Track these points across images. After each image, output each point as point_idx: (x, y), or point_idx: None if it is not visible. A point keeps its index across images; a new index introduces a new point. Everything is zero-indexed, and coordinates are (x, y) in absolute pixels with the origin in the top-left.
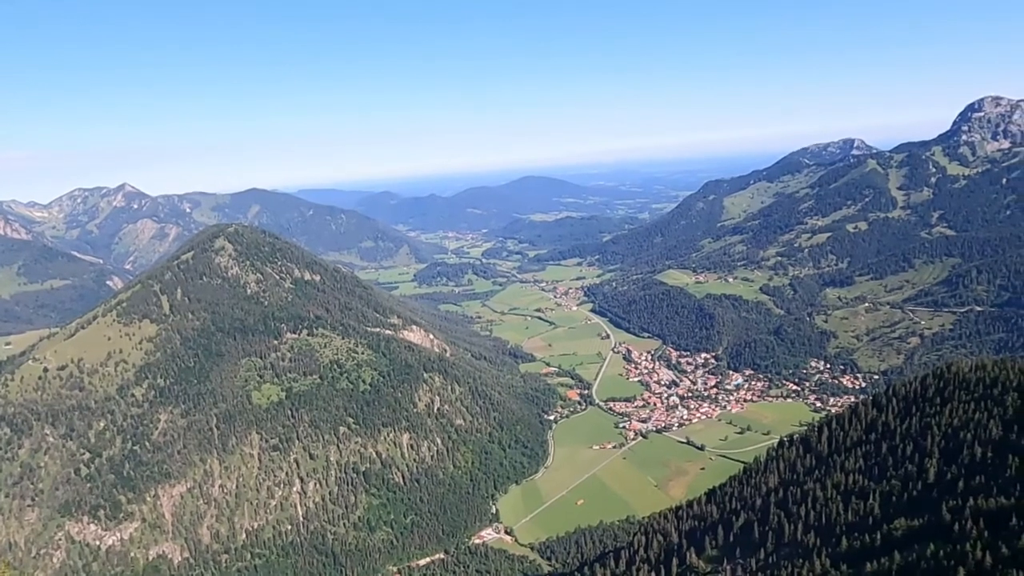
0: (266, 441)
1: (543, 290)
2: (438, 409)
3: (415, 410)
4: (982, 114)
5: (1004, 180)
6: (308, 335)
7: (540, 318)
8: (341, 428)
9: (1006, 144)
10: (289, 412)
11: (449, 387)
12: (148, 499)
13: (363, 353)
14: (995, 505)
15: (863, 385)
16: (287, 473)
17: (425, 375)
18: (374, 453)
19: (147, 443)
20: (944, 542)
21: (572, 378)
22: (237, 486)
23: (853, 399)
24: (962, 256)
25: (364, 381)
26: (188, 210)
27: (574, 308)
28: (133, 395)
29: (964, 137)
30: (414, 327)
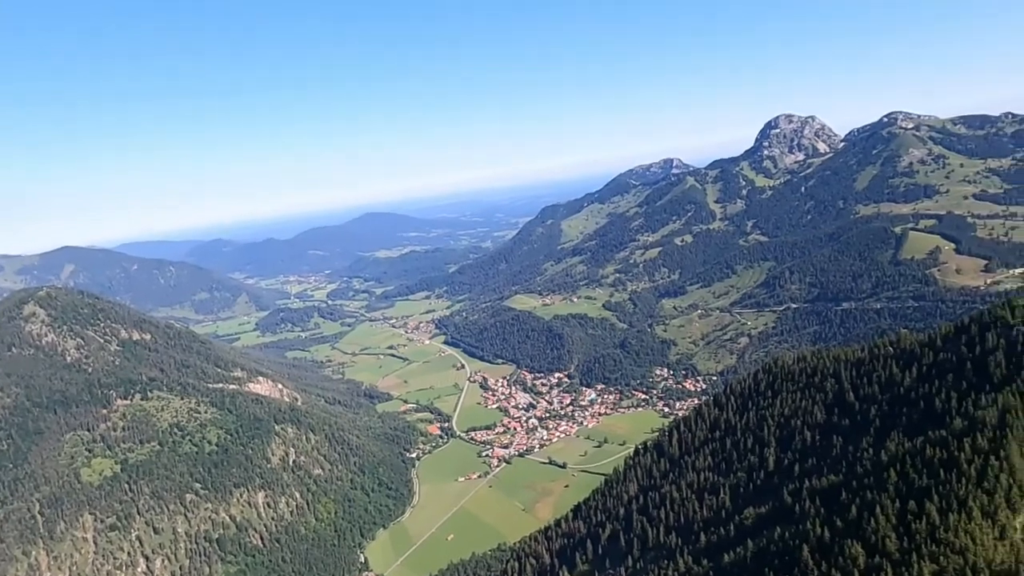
0: (101, 521)
1: (394, 327)
2: (294, 461)
3: (269, 465)
4: (779, 130)
5: (803, 188)
6: (142, 399)
7: (393, 355)
8: (188, 495)
9: (801, 156)
10: (126, 486)
11: (304, 437)
12: None
13: (206, 412)
14: (827, 483)
15: (704, 387)
16: (129, 553)
17: (277, 427)
18: (227, 517)
19: None
20: (788, 524)
21: (431, 412)
22: None
23: (696, 401)
24: (776, 259)
25: (210, 442)
26: None
27: (427, 342)
28: None
29: (766, 152)
30: (260, 378)
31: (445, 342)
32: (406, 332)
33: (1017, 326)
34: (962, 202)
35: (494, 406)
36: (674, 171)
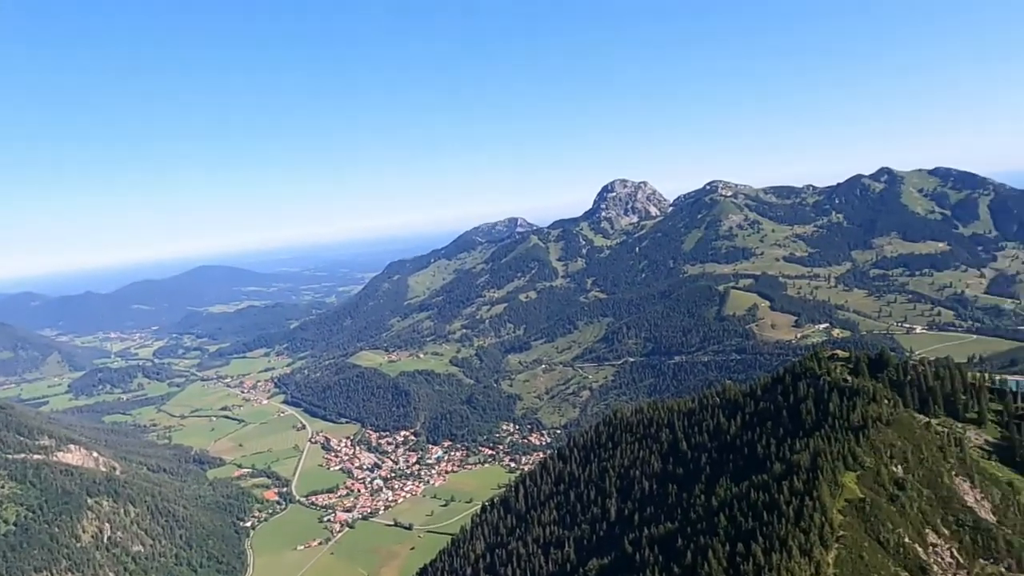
0: None
1: (228, 386)
2: (109, 538)
3: (78, 544)
4: (615, 194)
5: (637, 249)
6: None
7: (228, 417)
8: None
9: (635, 219)
10: None
11: (122, 510)
12: None
13: (3, 487)
14: (664, 531)
15: (549, 440)
16: None
17: (90, 501)
18: None
19: None
20: (630, 573)
21: (268, 477)
22: None
23: (542, 455)
24: (614, 315)
25: (7, 521)
26: None
27: (265, 402)
28: None
29: (604, 214)
30: (72, 446)
31: (285, 401)
32: (242, 392)
33: (823, 376)
34: (774, 263)
35: (337, 468)
36: (519, 229)
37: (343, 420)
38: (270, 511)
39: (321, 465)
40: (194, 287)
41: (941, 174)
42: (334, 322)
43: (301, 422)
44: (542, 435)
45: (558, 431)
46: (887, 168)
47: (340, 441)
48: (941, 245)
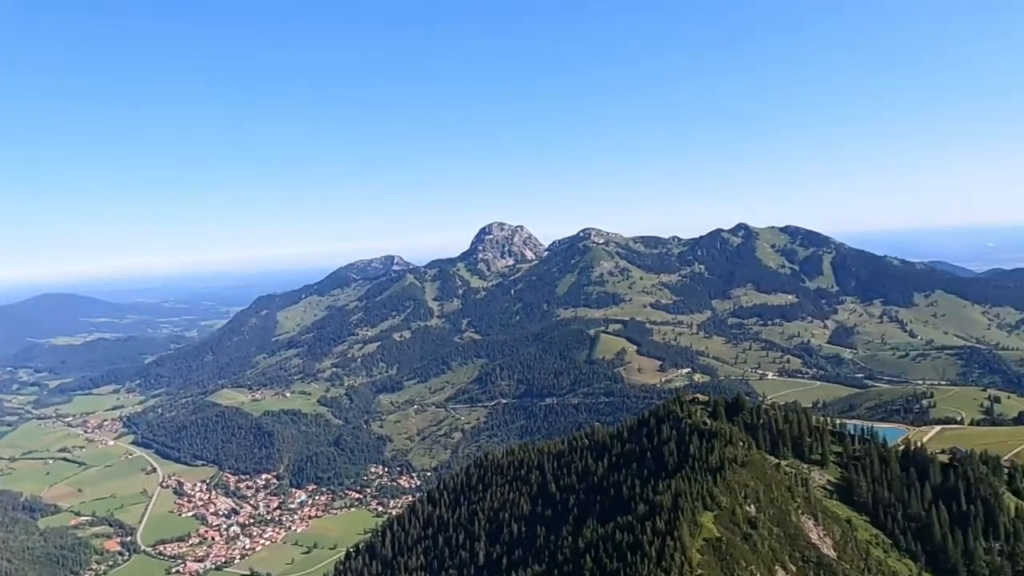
0: None
1: (70, 425)
2: None
3: None
4: (492, 236)
5: (512, 291)
6: None
7: (67, 459)
8: None
9: (511, 261)
10: None
11: None
12: None
13: None
14: (531, 574)
15: (418, 483)
16: None
17: None
18: None
19: None
20: None
21: (111, 525)
22: None
23: (411, 498)
24: (488, 357)
25: None
26: None
27: (111, 443)
28: None
29: (481, 255)
30: None
31: (134, 442)
32: (85, 432)
33: (685, 419)
34: (642, 310)
35: (190, 514)
36: (395, 268)
37: (199, 462)
38: (111, 563)
39: (172, 511)
40: (35, 316)
41: (791, 232)
42: (194, 358)
43: (152, 464)
44: (412, 478)
45: (428, 473)
46: (744, 224)
47: (195, 485)
48: (790, 297)
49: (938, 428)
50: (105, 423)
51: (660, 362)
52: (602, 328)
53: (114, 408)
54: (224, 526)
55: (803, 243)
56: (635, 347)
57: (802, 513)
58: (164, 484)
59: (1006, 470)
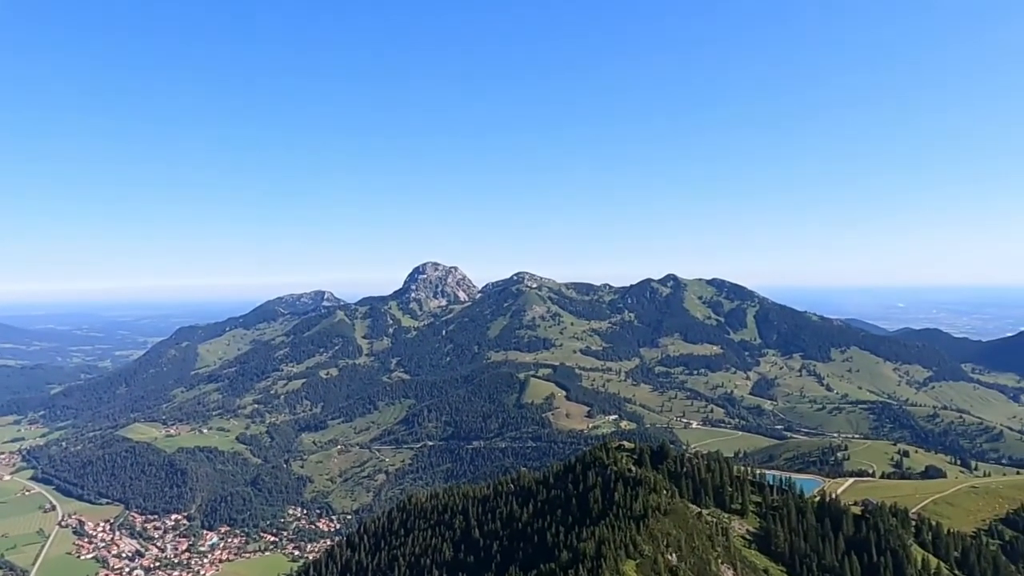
0: None
1: None
2: None
3: None
4: (426, 276)
5: (444, 332)
6: None
7: None
8: None
9: (444, 302)
10: None
11: None
12: None
13: None
14: None
15: (338, 527)
16: None
17: None
18: None
19: None
20: None
21: (0, 568)
22: None
23: (329, 542)
24: (416, 398)
25: None
26: None
27: (7, 478)
28: None
29: (414, 295)
30: None
31: (33, 478)
32: None
33: (611, 466)
34: (572, 355)
35: (90, 556)
36: (325, 303)
37: (104, 501)
38: None
39: (71, 553)
40: None
41: (717, 284)
42: (106, 389)
43: (51, 502)
44: (331, 521)
45: (349, 516)
46: (673, 275)
47: (97, 525)
48: (715, 348)
49: (851, 480)
50: (2, 456)
51: (588, 408)
52: (532, 372)
53: (13, 440)
54: (127, 569)
55: (728, 296)
56: (564, 392)
57: (722, 562)
58: (63, 523)
59: (913, 522)
